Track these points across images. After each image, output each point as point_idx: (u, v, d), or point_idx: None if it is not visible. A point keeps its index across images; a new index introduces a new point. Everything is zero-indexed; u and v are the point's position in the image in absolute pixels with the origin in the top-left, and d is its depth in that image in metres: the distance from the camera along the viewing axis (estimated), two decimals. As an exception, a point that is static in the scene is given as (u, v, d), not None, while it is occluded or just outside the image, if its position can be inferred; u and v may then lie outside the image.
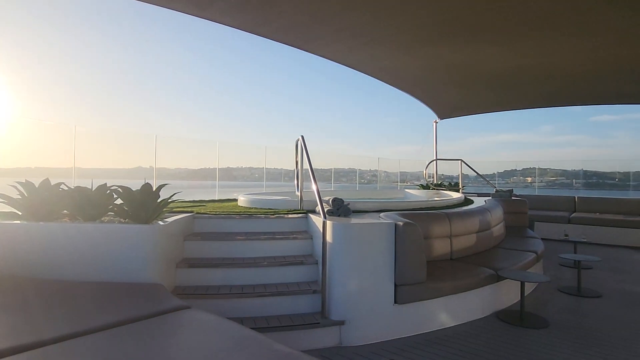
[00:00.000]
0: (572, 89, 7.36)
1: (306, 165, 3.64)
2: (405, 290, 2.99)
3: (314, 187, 3.35)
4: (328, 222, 2.99)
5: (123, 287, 2.47)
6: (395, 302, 2.99)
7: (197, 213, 3.58)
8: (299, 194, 3.99)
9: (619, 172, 14.62)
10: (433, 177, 9.39)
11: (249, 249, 3.32)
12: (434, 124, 9.79)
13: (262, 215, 3.64)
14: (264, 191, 6.86)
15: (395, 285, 2.99)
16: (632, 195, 11.57)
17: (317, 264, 3.20)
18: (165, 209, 3.08)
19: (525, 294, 3.71)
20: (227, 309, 2.81)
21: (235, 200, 4.92)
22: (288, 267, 3.19)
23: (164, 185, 3.06)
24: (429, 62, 6.04)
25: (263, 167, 12.37)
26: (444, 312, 3.22)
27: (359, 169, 16.42)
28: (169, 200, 3.08)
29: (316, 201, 3.22)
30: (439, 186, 7.98)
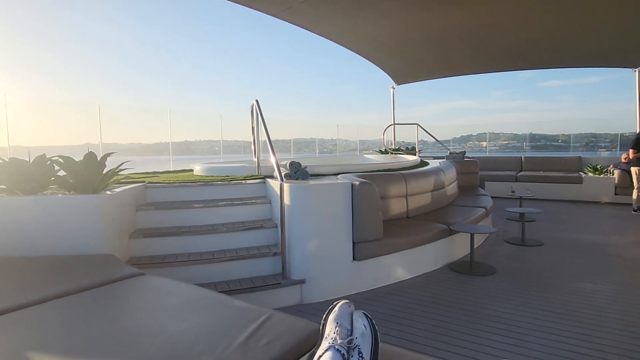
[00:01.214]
0: (522, 52, 7.63)
1: (263, 135, 3.57)
2: (363, 247, 3.09)
3: (270, 151, 3.31)
4: (285, 185, 2.98)
5: (73, 259, 2.36)
6: (354, 259, 3.08)
7: (149, 182, 3.45)
8: (256, 159, 3.93)
9: (563, 135, 15.59)
10: (392, 143, 9.58)
11: (207, 216, 3.27)
12: (391, 89, 9.88)
13: (220, 182, 3.57)
14: (222, 161, 6.72)
15: (354, 243, 3.08)
16: (571, 154, 12.41)
17: (276, 227, 3.22)
18: (112, 180, 2.93)
19: (475, 246, 3.96)
20: (187, 276, 2.78)
21: (191, 170, 4.79)
22: (248, 232, 3.19)
23: (110, 154, 2.90)
24: (382, 24, 6.00)
25: (221, 140, 11.87)
26: (401, 266, 3.37)
27: (319, 139, 16.37)
28: (117, 170, 2.94)
29: (274, 167, 3.20)
30: (397, 151, 8.17)
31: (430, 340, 2.36)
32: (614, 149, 12.95)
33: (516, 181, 8.11)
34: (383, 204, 3.73)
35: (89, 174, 2.71)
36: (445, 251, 3.78)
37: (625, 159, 7.22)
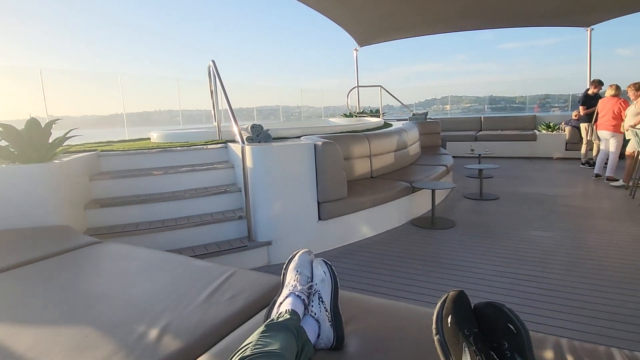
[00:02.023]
0: (479, 11, 7.67)
1: (224, 103, 3.43)
2: (327, 207, 3.12)
3: (230, 114, 3.20)
4: (247, 148, 2.92)
5: (24, 232, 2.24)
6: (320, 218, 3.12)
7: (103, 151, 3.27)
8: (216, 124, 3.81)
9: (520, 96, 16.13)
10: (357, 108, 9.55)
11: (168, 183, 3.17)
12: (354, 52, 9.74)
13: (179, 148, 3.45)
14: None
15: (318, 203, 3.11)
16: (527, 114, 12.89)
17: (241, 191, 3.18)
18: (61, 149, 2.75)
19: (437, 202, 4.10)
20: (149, 244, 2.71)
21: (148, 139, 4.58)
22: (211, 197, 3.13)
23: (55, 120, 2.71)
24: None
25: (180, 109, 11.03)
26: (366, 224, 3.46)
27: (284, 106, 15.91)
28: (66, 137, 2.76)
29: (234, 130, 3.11)
30: (361, 114, 8.16)
31: (393, 290, 2.47)
32: (566, 108, 13.54)
33: (476, 140, 8.38)
34: (347, 165, 3.76)
35: (34, 142, 2.52)
36: (408, 208, 3.90)
37: (575, 116, 7.59)
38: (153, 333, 1.11)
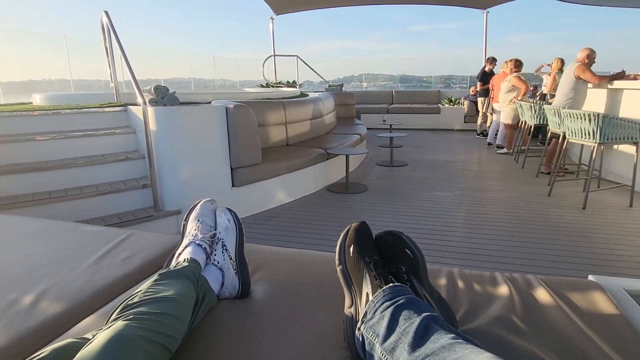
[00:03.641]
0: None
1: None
2: (241, 173, 3.02)
3: (129, 73, 2.87)
4: (150, 109, 2.67)
5: None
6: (233, 185, 3.01)
7: (-34, 112, 2.74)
8: (113, 84, 3.41)
9: (428, 76, 17.34)
10: (273, 78, 9.34)
11: (56, 151, 2.77)
12: (270, 20, 9.43)
13: (69, 111, 3.02)
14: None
15: (232, 169, 2.99)
16: (433, 88, 13.86)
17: (144, 158, 2.91)
18: None
19: (351, 169, 4.23)
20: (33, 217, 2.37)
21: (30, 103, 3.95)
22: (110, 165, 2.82)
23: None
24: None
25: (71, 75, 8.99)
26: (281, 190, 3.43)
27: (196, 78, 14.71)
28: None
29: (135, 90, 2.80)
30: (277, 85, 8.01)
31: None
32: (465, 86, 14.85)
33: (388, 113, 8.80)
34: (262, 132, 3.66)
35: None
36: (323, 174, 3.95)
37: (473, 91, 8.34)
38: (27, 299, 0.96)
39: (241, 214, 3.06)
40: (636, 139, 3.27)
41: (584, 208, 3.23)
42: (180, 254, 0.98)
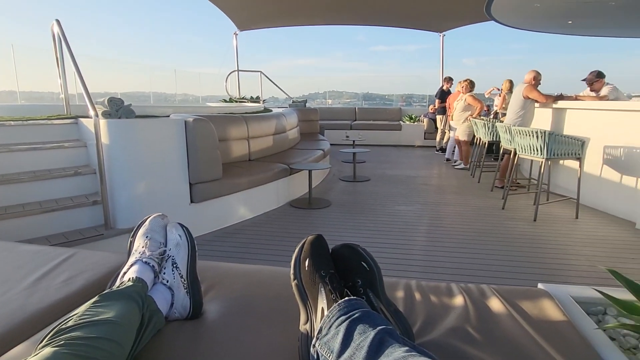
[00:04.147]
0: (349, 7, 8.16)
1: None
2: (201, 189, 2.93)
3: (80, 83, 2.74)
4: (102, 122, 2.55)
5: None
6: (192, 201, 2.91)
7: None
8: (63, 96, 3.24)
9: (390, 94, 18.00)
10: (237, 93, 9.26)
11: (-4, 166, 2.57)
12: (234, 35, 9.41)
13: (12, 123, 2.83)
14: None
15: (190, 184, 2.90)
16: (395, 106, 14.31)
17: (96, 173, 2.76)
18: None
19: (314, 185, 4.23)
20: (-34, 238, 2.16)
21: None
22: (57, 180, 2.65)
23: None
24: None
25: (18, 88, 7.82)
26: (243, 206, 3.36)
27: (157, 92, 14.25)
28: None
29: (86, 102, 2.66)
30: (241, 100, 7.95)
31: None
32: (424, 104, 15.48)
33: (351, 129, 8.93)
34: (223, 146, 3.59)
35: None
36: (286, 189, 3.92)
37: (432, 109, 8.67)
38: (-57, 329, 0.86)
39: (201, 230, 2.97)
40: (579, 154, 3.51)
41: (534, 220, 3.39)
42: (125, 273, 0.91)
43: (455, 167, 6.13)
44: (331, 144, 6.21)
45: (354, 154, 5.14)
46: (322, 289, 0.76)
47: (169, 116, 3.47)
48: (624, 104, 3.89)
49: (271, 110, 6.16)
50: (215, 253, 2.65)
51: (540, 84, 4.43)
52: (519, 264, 2.51)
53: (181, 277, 0.95)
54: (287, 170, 3.85)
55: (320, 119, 7.31)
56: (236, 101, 7.72)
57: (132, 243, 1.01)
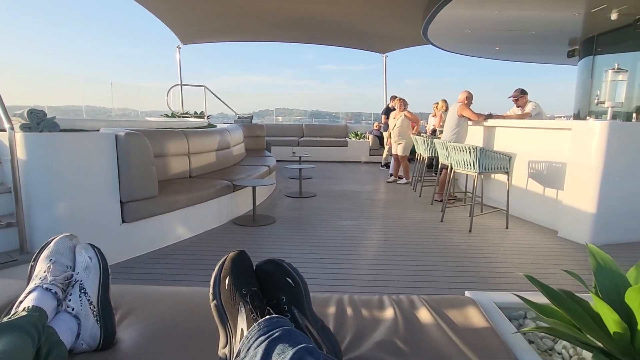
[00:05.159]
0: (295, 26, 8.31)
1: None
2: (133, 207, 2.75)
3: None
4: (19, 136, 2.32)
5: None
6: (124, 221, 2.72)
7: None
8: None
9: (338, 112, 18.49)
10: (180, 108, 8.96)
11: None
12: (177, 49, 9.16)
13: None
14: None
15: (122, 203, 2.70)
16: (341, 123, 14.64)
17: (10, 192, 2.49)
18: None
19: (260, 201, 4.15)
20: None
21: None
22: (-39, 201, 2.35)
23: None
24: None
25: None
26: (181, 225, 3.20)
27: (90, 105, 13.21)
28: None
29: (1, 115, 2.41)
30: (185, 115, 7.69)
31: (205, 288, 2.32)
32: (370, 121, 16.04)
33: (298, 145, 8.98)
34: (161, 162, 3.43)
35: None
36: (229, 207, 3.80)
37: (376, 126, 8.98)
38: None
39: (133, 252, 2.78)
40: (507, 169, 3.77)
41: (470, 231, 3.57)
42: (21, 302, 0.80)
43: (399, 182, 6.33)
44: (278, 161, 6.18)
45: (300, 170, 5.14)
46: (243, 308, 0.72)
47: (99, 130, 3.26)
48: (544, 122, 4.28)
49: (215, 126, 6.02)
50: (147, 276, 2.48)
51: (472, 103, 4.75)
52: (455, 274, 2.61)
53: (90, 303, 0.86)
54: (230, 186, 3.74)
55: (267, 136, 7.28)
56: (179, 116, 7.47)
57: (32, 268, 0.89)
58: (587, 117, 5.47)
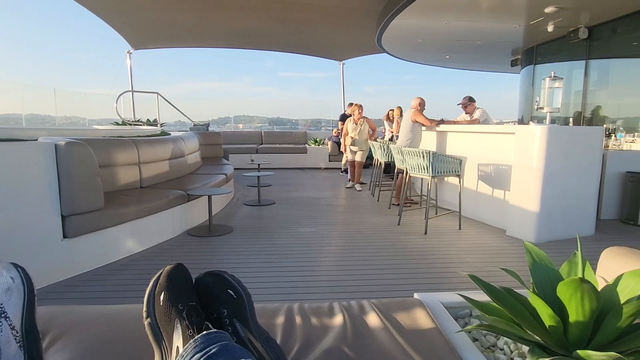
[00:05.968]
0: (252, 33, 8.27)
1: None
2: (76, 221, 2.57)
3: None
4: (-60, 147, 2.11)
5: None
6: (65, 236, 2.54)
7: None
8: None
9: (300, 119, 18.56)
10: (131, 116, 8.59)
11: None
12: (127, 54, 8.80)
13: None
14: None
15: (63, 217, 2.53)
16: (300, 129, 14.67)
17: None
18: None
19: (216, 211, 4.04)
20: None
21: None
22: None
23: None
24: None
25: None
26: (131, 238, 3.04)
27: (32, 114, 12.29)
28: None
29: None
30: (136, 123, 7.38)
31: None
32: (329, 128, 16.21)
33: (257, 152, 8.88)
34: (108, 173, 3.25)
35: None
36: (183, 217, 3.67)
37: (335, 132, 9.07)
38: None
39: (77, 269, 2.61)
40: (458, 172, 3.92)
41: (425, 233, 3.67)
42: None
43: (357, 188, 6.41)
44: (236, 169, 6.08)
45: (259, 177, 5.07)
46: (179, 324, 0.68)
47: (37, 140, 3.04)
48: (491, 127, 4.51)
49: (170, 134, 5.82)
50: (93, 294, 2.32)
51: (425, 109, 4.91)
52: (409, 276, 2.66)
53: (12, 328, 0.78)
54: (185, 196, 3.62)
55: (225, 143, 7.14)
56: (129, 124, 7.16)
57: (-59, 293, 0.80)
58: (530, 122, 5.83)
